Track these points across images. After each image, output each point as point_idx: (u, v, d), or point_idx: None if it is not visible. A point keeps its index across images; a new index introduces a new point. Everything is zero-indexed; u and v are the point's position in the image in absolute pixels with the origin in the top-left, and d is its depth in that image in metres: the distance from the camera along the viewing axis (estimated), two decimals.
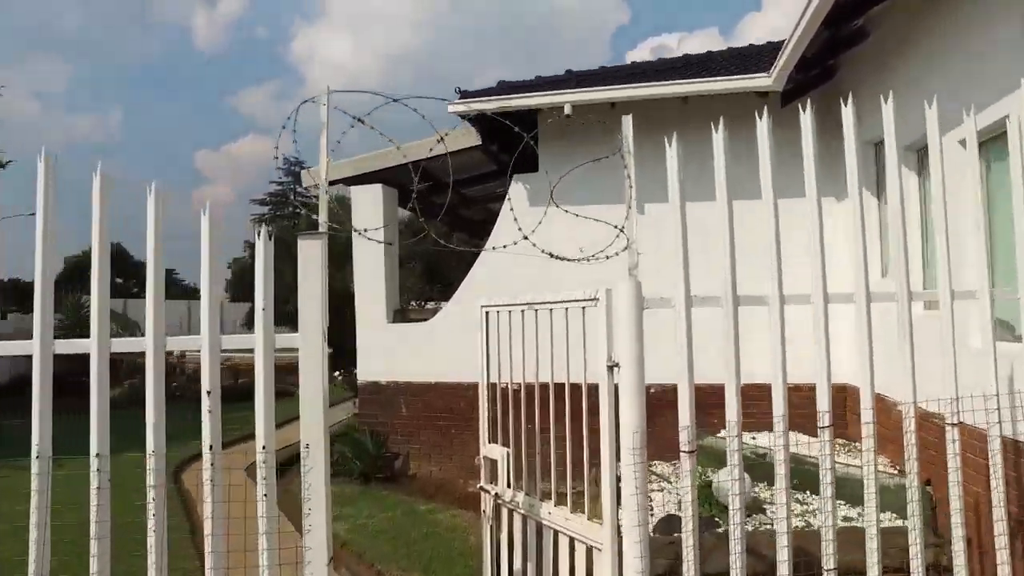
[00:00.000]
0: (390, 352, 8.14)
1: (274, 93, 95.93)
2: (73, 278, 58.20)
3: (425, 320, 8.30)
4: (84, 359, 2.60)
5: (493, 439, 3.96)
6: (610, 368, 2.71)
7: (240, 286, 60.15)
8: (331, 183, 7.93)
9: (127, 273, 66.96)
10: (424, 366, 7.93)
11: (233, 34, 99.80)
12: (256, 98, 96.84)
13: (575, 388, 3.16)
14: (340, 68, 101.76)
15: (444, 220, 12.99)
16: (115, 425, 2.62)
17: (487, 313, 4.03)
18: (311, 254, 2.52)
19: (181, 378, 16.70)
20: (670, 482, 5.86)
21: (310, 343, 2.52)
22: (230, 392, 13.68)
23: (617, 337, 2.65)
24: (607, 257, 2.81)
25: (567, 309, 3.16)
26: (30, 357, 2.56)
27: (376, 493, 7.44)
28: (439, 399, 7.86)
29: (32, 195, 2.64)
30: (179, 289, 62.67)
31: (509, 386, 3.81)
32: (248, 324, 19.90)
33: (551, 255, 2.97)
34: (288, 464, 4.76)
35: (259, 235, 2.64)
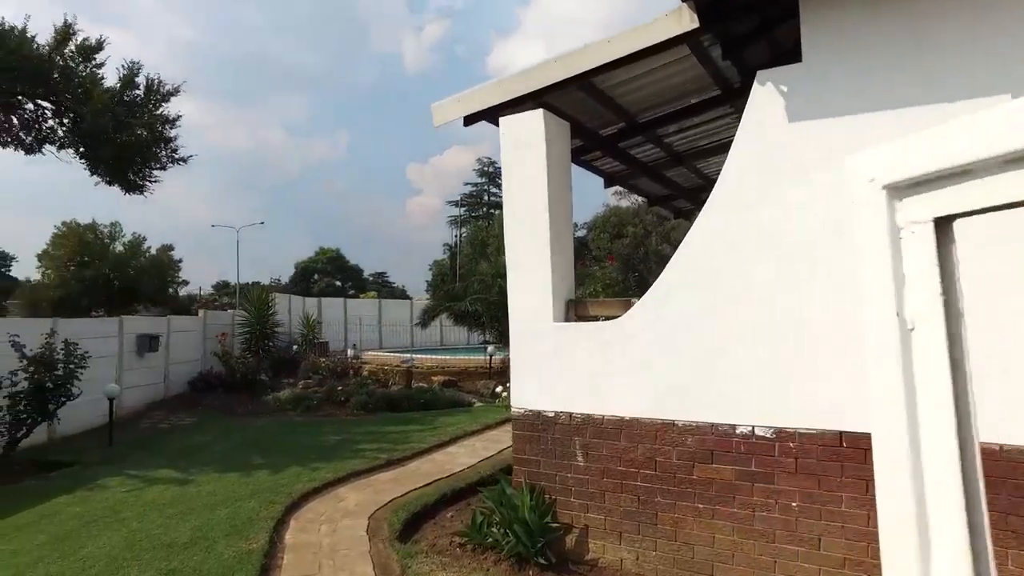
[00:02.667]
0: (559, 367, 5.39)
1: None
2: (305, 279, 63.31)
3: (614, 319, 5.43)
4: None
5: None
6: None
7: (439, 285, 62.30)
8: (474, 117, 5.22)
9: (345, 275, 72.73)
10: (615, 392, 5.08)
11: (436, 55, 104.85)
12: None
13: None
14: None
15: (633, 183, 9.94)
16: None
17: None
18: None
19: (352, 381, 15.53)
20: None
21: None
22: (399, 401, 11.63)
23: None
24: None
25: None
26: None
27: None
28: (638, 446, 4.94)
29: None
30: (388, 291, 66.58)
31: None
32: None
33: None
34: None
35: None
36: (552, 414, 5.37)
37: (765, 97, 4.48)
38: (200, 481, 8.06)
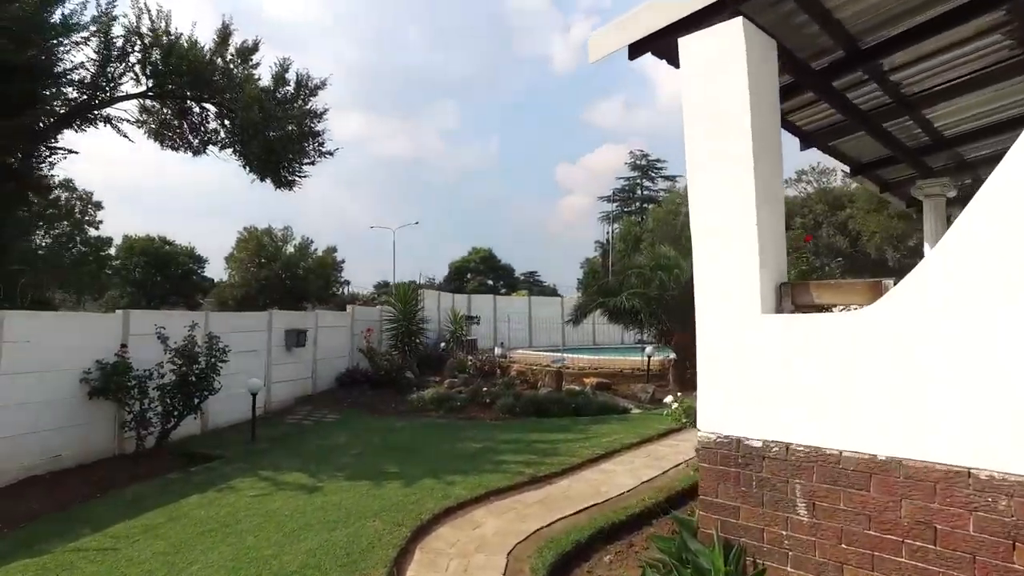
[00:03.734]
0: (771, 376, 3.76)
1: (624, 103, 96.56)
2: (458, 278, 64.93)
3: (852, 309, 3.72)
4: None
5: None
6: None
7: (591, 283, 61.01)
8: (640, 45, 3.77)
9: (496, 274, 73.77)
10: (863, 417, 3.39)
11: (583, 54, 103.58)
12: (608, 110, 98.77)
13: None
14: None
15: (837, 143, 7.80)
16: None
17: None
18: None
19: (499, 381, 14.53)
20: None
21: None
22: (547, 405, 10.33)
23: None
24: None
25: None
26: None
27: None
28: (902, 502, 3.22)
29: None
30: (538, 290, 66.45)
31: None
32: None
33: None
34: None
35: None
36: (759, 444, 3.76)
37: None
38: (328, 490, 7.28)
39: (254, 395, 10.09)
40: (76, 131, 11.52)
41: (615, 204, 61.58)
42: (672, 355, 15.74)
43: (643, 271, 14.82)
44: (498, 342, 24.36)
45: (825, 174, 48.44)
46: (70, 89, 11.15)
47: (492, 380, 16.13)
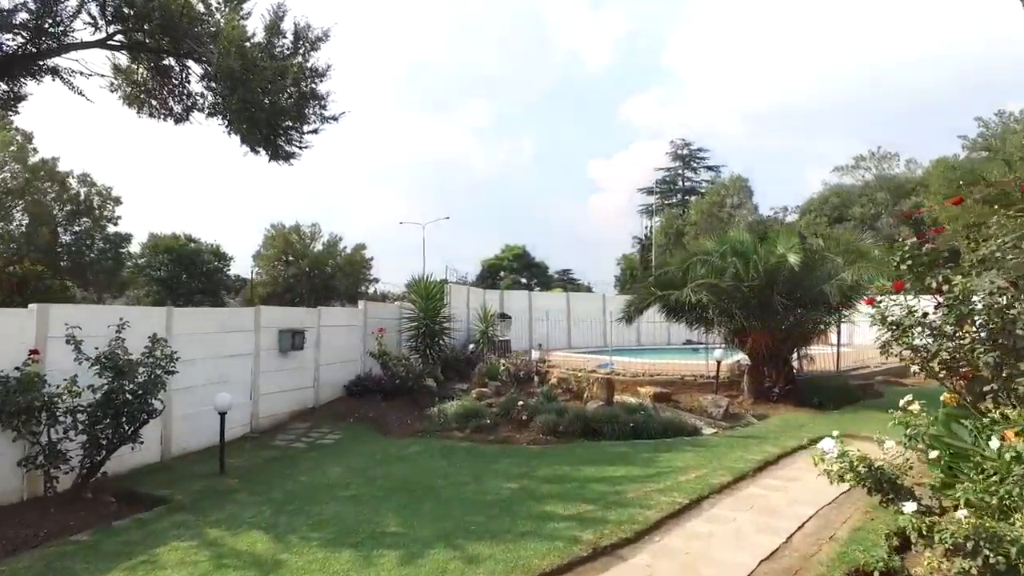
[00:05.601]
0: None
1: (659, 100, 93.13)
2: (491, 276, 62.88)
3: None
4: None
5: None
6: None
7: (629, 280, 58.21)
8: None
9: (530, 273, 71.40)
10: None
11: (616, 48, 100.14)
12: (642, 106, 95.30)
13: None
14: (721, 64, 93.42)
15: None
16: None
17: None
18: None
19: (537, 391, 12.04)
20: None
21: None
22: (599, 423, 7.62)
23: None
24: None
25: None
26: None
27: None
28: None
29: None
30: (573, 288, 63.86)
31: None
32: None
33: None
34: None
35: None
36: None
37: None
38: (291, 566, 4.89)
39: (222, 414, 7.80)
40: (9, 85, 9.41)
41: (655, 196, 58.47)
42: (744, 359, 13.06)
43: (711, 257, 12.16)
44: (535, 343, 21.87)
45: (886, 159, 44.73)
46: (7, 36, 9.04)
47: (529, 388, 13.65)
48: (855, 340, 17.66)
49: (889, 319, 5.98)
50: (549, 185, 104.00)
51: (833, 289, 10.64)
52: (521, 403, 10.55)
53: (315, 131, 12.46)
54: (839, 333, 14.03)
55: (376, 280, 62.03)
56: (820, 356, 14.06)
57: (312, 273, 57.00)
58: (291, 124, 11.75)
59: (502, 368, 14.04)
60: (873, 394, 13.17)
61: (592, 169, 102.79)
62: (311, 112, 11.82)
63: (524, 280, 69.12)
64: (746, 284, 11.20)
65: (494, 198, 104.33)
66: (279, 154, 12.09)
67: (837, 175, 48.00)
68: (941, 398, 6.68)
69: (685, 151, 59.68)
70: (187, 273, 48.70)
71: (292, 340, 10.95)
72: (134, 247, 46.32)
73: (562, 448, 9.03)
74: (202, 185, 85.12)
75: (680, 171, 60.41)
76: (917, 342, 5.82)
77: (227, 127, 10.80)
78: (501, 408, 10.88)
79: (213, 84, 11.35)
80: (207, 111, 11.93)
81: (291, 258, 58.90)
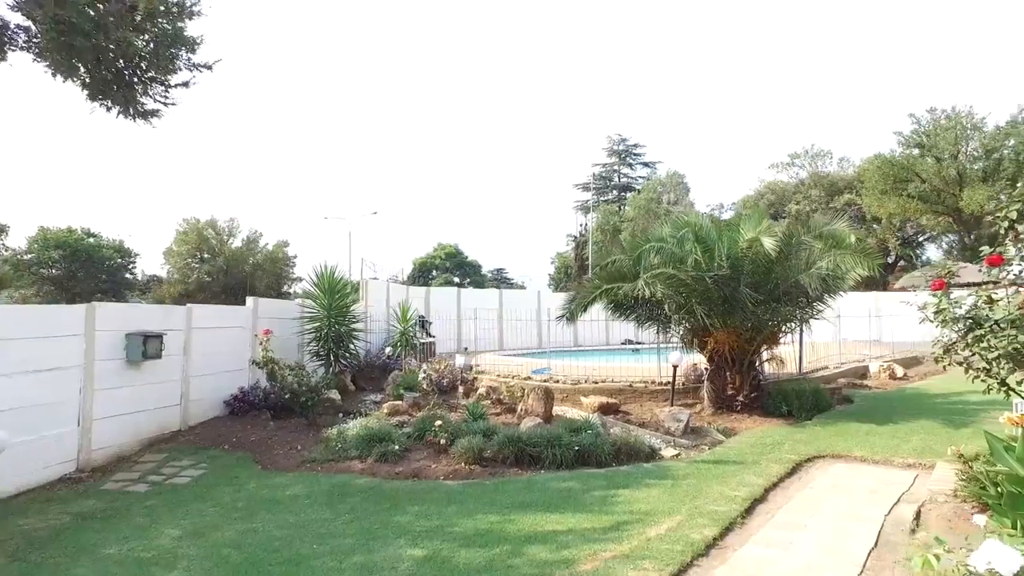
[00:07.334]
0: None
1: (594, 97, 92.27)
2: (423, 275, 60.42)
3: None
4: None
5: None
6: None
7: (563, 278, 56.87)
8: None
9: (463, 272, 69.22)
10: None
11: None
12: (578, 102, 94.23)
13: None
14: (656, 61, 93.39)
15: None
16: None
17: None
18: None
19: (462, 404, 9.97)
20: None
21: None
22: (535, 447, 6.13)
23: None
24: None
25: None
26: None
27: None
28: None
29: None
30: (507, 286, 62.19)
31: None
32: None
33: None
34: None
35: None
36: None
37: None
38: None
39: None
40: None
41: (591, 192, 57.27)
42: (703, 362, 11.36)
43: (667, 245, 10.36)
44: (463, 345, 19.76)
45: (819, 157, 44.79)
46: None
47: (453, 400, 11.57)
48: (812, 337, 16.38)
49: (955, 312, 4.24)
50: (484, 182, 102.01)
51: (813, 279, 9.01)
52: (439, 423, 8.44)
53: (186, 84, 10.00)
54: (801, 331, 12.52)
55: (300, 279, 58.52)
56: (781, 356, 12.53)
57: (229, 271, 53.06)
58: (148, 71, 9.25)
59: (422, 376, 11.88)
60: (842, 399, 11.72)
61: (528, 166, 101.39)
62: (174, 57, 9.34)
63: (457, 280, 67.11)
64: (710, 275, 9.43)
65: (427, 195, 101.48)
66: (136, 110, 9.57)
67: (773, 172, 47.93)
68: (1004, 419, 5.03)
69: (621, 147, 58.77)
70: (85, 271, 44.12)
71: (144, 347, 8.47)
72: (15, 240, 41.55)
73: (490, 483, 6.98)
74: (107, 176, 79.01)
75: (616, 167, 59.49)
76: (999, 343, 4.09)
77: (46, 66, 8.21)
78: (415, 429, 8.75)
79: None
80: (31, 48, 9.25)
81: (206, 255, 54.72)
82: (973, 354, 4.31)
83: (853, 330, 18.20)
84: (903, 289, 26.23)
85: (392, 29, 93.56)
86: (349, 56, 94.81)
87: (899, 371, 15.00)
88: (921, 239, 42.28)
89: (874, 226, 38.50)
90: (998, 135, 32.83)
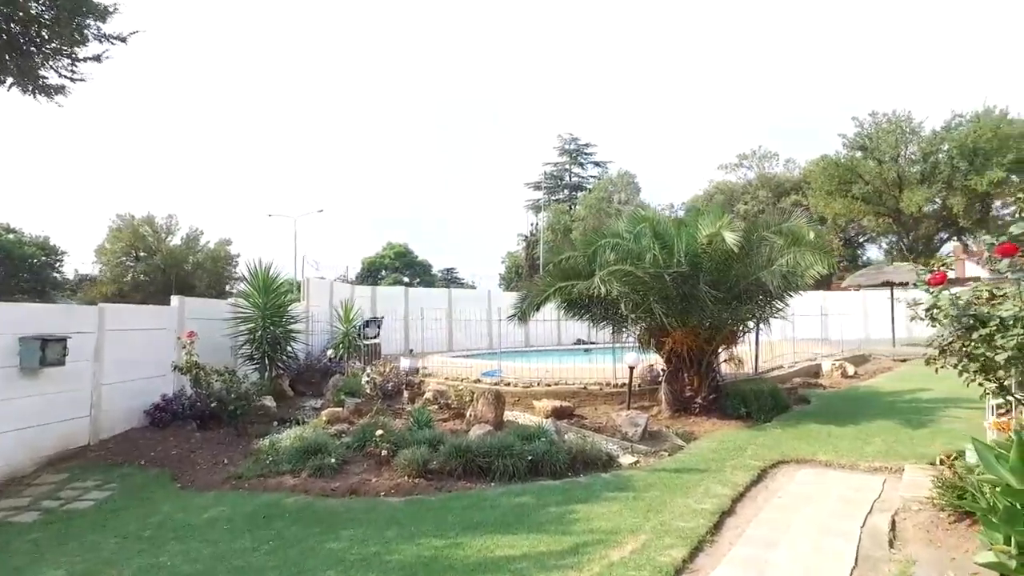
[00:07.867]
0: None
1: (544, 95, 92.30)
2: (372, 275, 59.05)
3: None
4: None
5: None
6: None
7: (514, 278, 56.45)
8: None
9: (413, 271, 68.15)
10: None
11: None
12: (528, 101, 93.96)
13: None
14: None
15: None
16: None
17: None
18: None
19: (407, 409, 9.29)
20: None
21: None
22: (484, 457, 5.56)
23: None
24: None
25: None
26: None
27: None
28: None
29: None
30: (457, 286, 61.37)
31: None
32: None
33: None
34: None
35: None
36: None
37: None
38: None
39: None
40: None
41: (542, 192, 57.00)
42: (659, 363, 10.96)
43: (623, 241, 9.89)
44: (410, 347, 18.98)
45: (767, 159, 45.56)
46: None
47: (398, 405, 10.86)
48: (768, 336, 16.24)
49: (954, 310, 3.82)
50: (434, 181, 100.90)
51: (775, 276, 8.67)
52: (381, 431, 7.73)
53: (97, 58, 9.02)
54: (758, 330, 12.26)
55: (243, 279, 56.58)
56: (739, 356, 12.25)
57: (167, 270, 50.72)
58: (50, 41, 8.25)
59: (365, 380, 11.13)
60: (799, 399, 11.49)
61: (479, 165, 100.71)
62: (81, 26, 8.36)
63: (407, 279, 66.13)
64: (669, 272, 8.99)
65: (377, 194, 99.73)
66: (37, 85, 8.55)
67: (722, 172, 48.55)
68: (987, 424, 4.67)
69: (573, 146, 58.71)
70: (3, 269, 41.39)
71: (43, 352, 7.50)
72: None
73: (436, 499, 6.34)
74: (28, 167, 74.85)
75: (567, 166, 59.40)
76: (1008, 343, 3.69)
77: None
78: (355, 438, 8.03)
79: None
80: None
81: (142, 253, 52.21)
82: (972, 355, 3.91)
83: (804, 329, 18.21)
84: (848, 288, 26.63)
85: (342, 21, 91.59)
86: (296, 48, 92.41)
87: (850, 370, 14.97)
88: (862, 239, 43.45)
89: (819, 226, 39.31)
90: (934, 139, 33.98)
